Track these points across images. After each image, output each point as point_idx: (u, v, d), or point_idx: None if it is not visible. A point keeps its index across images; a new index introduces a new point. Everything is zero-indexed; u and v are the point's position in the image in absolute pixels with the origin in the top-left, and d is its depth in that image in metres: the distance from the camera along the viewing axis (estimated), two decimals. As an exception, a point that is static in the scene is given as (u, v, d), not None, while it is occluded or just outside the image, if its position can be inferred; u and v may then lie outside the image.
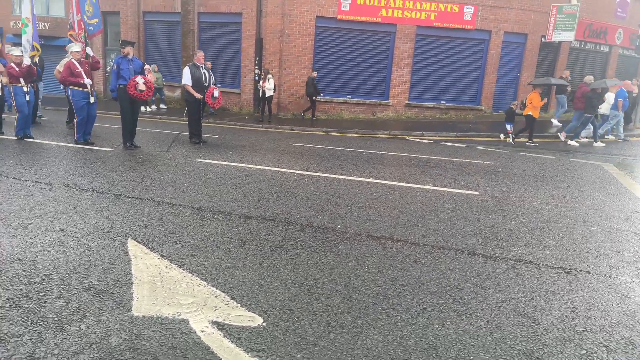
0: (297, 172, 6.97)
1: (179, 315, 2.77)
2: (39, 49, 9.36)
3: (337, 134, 12.28)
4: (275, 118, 14.86)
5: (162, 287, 3.10)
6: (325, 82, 15.53)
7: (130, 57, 8.21)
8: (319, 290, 3.16)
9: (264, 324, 2.72)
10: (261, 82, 13.81)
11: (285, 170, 7.07)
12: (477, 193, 6.10)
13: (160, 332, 2.59)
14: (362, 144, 10.36)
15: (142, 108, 14.44)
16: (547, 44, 17.04)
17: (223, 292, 3.08)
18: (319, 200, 5.43)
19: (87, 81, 8.26)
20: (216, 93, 9.18)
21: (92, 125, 8.69)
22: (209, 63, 10.81)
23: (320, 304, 2.98)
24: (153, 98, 14.99)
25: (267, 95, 13.73)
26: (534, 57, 17.00)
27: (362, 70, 15.86)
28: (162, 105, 16.21)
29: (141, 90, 8.00)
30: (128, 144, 8.30)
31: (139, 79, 8.00)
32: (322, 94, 14.56)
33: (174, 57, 17.02)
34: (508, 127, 11.93)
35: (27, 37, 9.01)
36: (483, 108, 16.63)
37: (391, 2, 15.26)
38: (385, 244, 4.09)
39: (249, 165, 7.27)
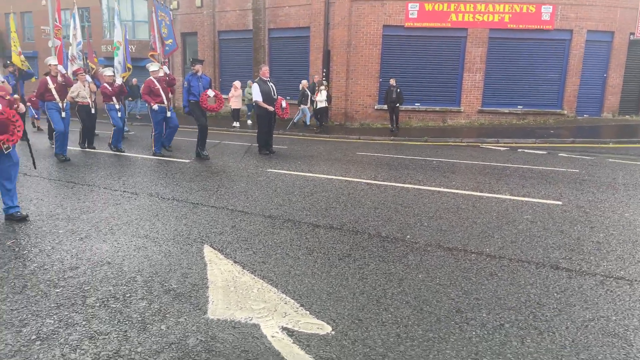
0: (365, 181, 6.93)
1: (251, 319, 2.85)
2: (131, 68, 10.21)
3: (406, 143, 12.08)
4: (343, 128, 14.96)
5: (235, 292, 3.21)
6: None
7: (199, 74, 8.69)
8: (388, 301, 3.10)
9: (333, 332, 2.71)
10: (315, 94, 14.04)
11: (353, 179, 7.07)
12: (560, 203, 5.68)
13: (233, 335, 2.68)
14: (432, 152, 10.10)
15: (234, 123, 15.28)
16: (637, 42, 15.60)
17: (292, 298, 3.12)
18: (387, 209, 5.35)
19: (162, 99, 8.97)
20: (284, 104, 9.47)
21: (173, 134, 9.47)
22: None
23: (390, 315, 2.91)
24: (249, 113, 15.82)
25: (319, 107, 13.95)
26: (622, 56, 15.63)
27: (431, 77, 15.53)
28: (249, 122, 16.47)
29: (211, 103, 8.52)
30: (205, 153, 8.80)
31: (210, 92, 8.49)
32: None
33: (246, 72, 17.78)
34: None
35: (118, 59, 9.88)
36: (565, 112, 15.54)
37: (461, 6, 14.83)
38: (457, 255, 3.93)
39: (317, 175, 7.35)
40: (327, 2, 15.55)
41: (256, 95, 9.26)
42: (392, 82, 13.66)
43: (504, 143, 11.77)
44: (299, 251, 4.01)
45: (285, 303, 3.06)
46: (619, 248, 4.13)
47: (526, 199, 5.88)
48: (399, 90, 13.45)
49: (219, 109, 8.92)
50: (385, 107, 14.36)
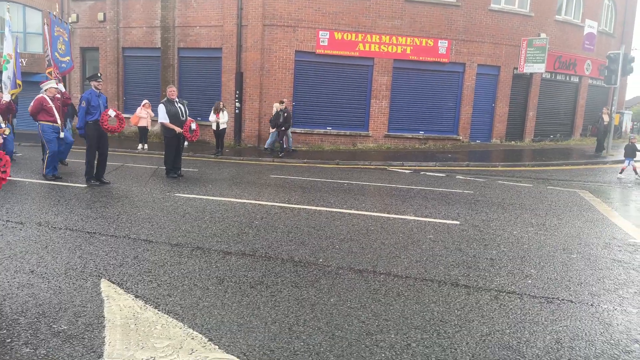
0: (278, 204, 6.91)
1: (154, 359, 2.64)
2: (21, 85, 9.25)
3: (318, 165, 12.32)
4: (256, 150, 14.88)
5: (136, 330, 2.96)
6: (306, 114, 15.75)
7: (99, 91, 8.07)
8: (301, 328, 3.07)
9: (243, 366, 2.60)
10: (214, 115, 13.60)
11: (266, 203, 7.01)
12: (458, 222, 6.12)
13: (132, 379, 2.45)
14: (343, 175, 10.40)
15: (140, 146, 14.28)
16: (520, 76, 17.68)
17: (200, 333, 2.96)
18: (300, 233, 5.36)
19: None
20: (193, 125, 9.18)
21: (68, 150, 8.82)
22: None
23: (302, 343, 2.88)
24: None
25: (220, 128, 13.71)
26: (508, 88, 17.58)
27: (341, 102, 16.14)
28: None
29: (112, 123, 7.98)
30: (92, 181, 8.07)
31: (111, 112, 7.95)
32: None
33: (153, 91, 17.03)
34: (626, 163, 11.31)
35: (7, 74, 8.91)
36: (461, 138, 16.98)
37: (368, 37, 15.71)
38: (367, 277, 4.03)
39: (229, 199, 7.18)
40: (239, 24, 15.55)
41: (161, 117, 8.89)
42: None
43: (409, 166, 12.51)
44: (208, 281, 3.84)
45: (192, 338, 2.88)
46: (509, 264, 4.53)
47: (428, 219, 6.26)
48: (286, 114, 13.73)
49: (120, 130, 8.37)
50: (299, 130, 14.55)
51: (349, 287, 3.80)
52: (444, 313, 3.37)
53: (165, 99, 9.11)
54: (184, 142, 9.59)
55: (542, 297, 3.73)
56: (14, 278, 3.74)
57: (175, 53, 16.82)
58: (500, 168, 12.33)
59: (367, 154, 14.55)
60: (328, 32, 15.50)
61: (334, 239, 5.14)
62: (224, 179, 9.45)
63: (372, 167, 12.37)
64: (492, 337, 3.03)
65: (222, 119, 13.54)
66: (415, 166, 12.49)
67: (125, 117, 9.19)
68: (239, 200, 7.11)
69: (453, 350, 2.85)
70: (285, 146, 14.13)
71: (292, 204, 7.01)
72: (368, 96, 16.14)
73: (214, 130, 13.71)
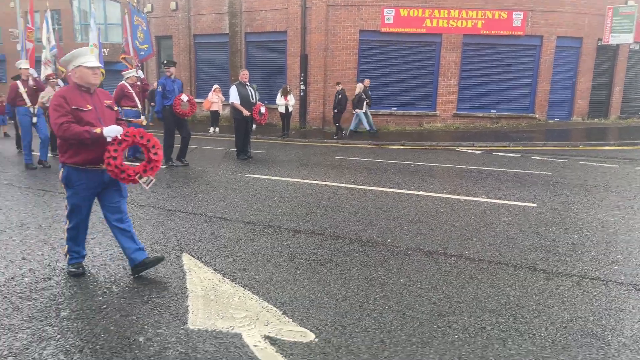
0: (344, 185, 6.94)
1: (232, 329, 2.80)
2: (104, 74, 9.95)
3: (384, 147, 12.18)
4: (321, 132, 14.97)
5: (216, 301, 3.15)
6: (370, 94, 15.55)
7: (173, 77, 8.51)
8: (371, 307, 3.10)
9: (316, 340, 2.68)
10: (282, 98, 13.73)
11: (332, 183, 7.07)
12: (535, 205, 5.81)
13: (214, 345, 2.62)
14: (409, 156, 10.21)
15: (211, 129, 14.97)
16: (604, 48, 16.19)
17: (274, 306, 3.08)
18: (367, 213, 5.37)
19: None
20: (263, 109, 9.40)
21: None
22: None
23: (373, 321, 2.91)
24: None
25: (288, 111, 13.86)
26: (591, 61, 16.18)
27: (407, 82, 15.73)
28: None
29: (184, 108, 8.39)
30: (171, 162, 8.56)
31: (184, 97, 8.34)
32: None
33: (222, 76, 17.62)
34: None
35: None
36: (537, 116, 15.96)
37: (436, 12, 15.09)
38: (438, 259, 3.97)
39: (297, 180, 7.33)
40: (303, 6, 15.57)
41: (233, 97, 9.17)
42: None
43: (479, 146, 11.99)
44: (280, 258, 3.98)
45: (267, 311, 3.02)
46: (593, 249, 4.24)
47: (502, 201, 5.99)
48: (340, 96, 13.56)
49: (191, 114, 8.78)
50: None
51: (419, 268, 3.76)
52: (520, 297, 3.25)
53: (238, 81, 9.39)
54: (252, 124, 9.87)
55: (630, 284, 3.47)
56: (107, 250, 4.11)
57: (242, 38, 17.23)
58: (582, 148, 11.46)
59: (435, 135, 14.14)
60: (393, 10, 15.08)
61: (402, 220, 5.09)
62: (291, 160, 9.63)
63: (440, 147, 12.01)
64: (574, 324, 2.87)
65: (290, 102, 13.75)
66: (486, 146, 11.95)
67: (197, 102, 9.61)
68: (306, 181, 7.24)
69: (531, 335, 2.74)
70: (352, 128, 14.04)
71: (358, 184, 7.01)
72: (435, 74, 15.58)
73: (280, 112, 13.97)
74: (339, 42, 15.43)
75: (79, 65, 3.25)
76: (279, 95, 13.88)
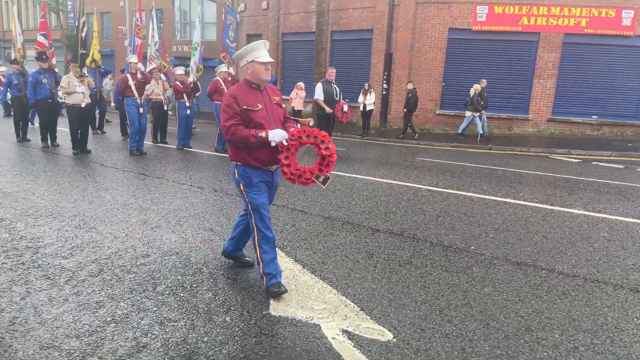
0: (425, 187, 6.78)
1: (312, 319, 2.86)
2: (202, 69, 10.65)
3: (468, 150, 11.69)
4: (401, 132, 14.74)
5: (296, 291, 3.24)
6: (455, 95, 14.99)
7: None
8: (452, 313, 3.00)
9: (394, 339, 2.66)
10: (362, 96, 13.63)
11: (413, 184, 6.93)
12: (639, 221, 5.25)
13: (294, 333, 2.70)
14: (497, 161, 9.70)
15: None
16: None
17: (353, 302, 3.10)
18: (450, 218, 5.19)
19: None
20: (345, 108, 9.46)
21: None
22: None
23: (454, 328, 2.82)
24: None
25: (367, 110, 13.66)
26: None
27: (498, 83, 14.92)
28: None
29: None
30: None
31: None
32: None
33: (307, 74, 17.99)
34: None
35: (194, 59, 10.31)
36: (646, 124, 14.38)
37: (534, 10, 14.14)
38: (527, 270, 3.74)
39: (376, 179, 7.29)
40: (391, 4, 15.40)
41: (317, 94, 9.34)
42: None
43: (576, 155, 11.08)
44: (359, 254, 3.99)
45: (346, 306, 3.05)
46: None
47: (602, 215, 5.49)
48: (410, 95, 13.06)
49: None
50: (448, 112, 13.94)
51: (505, 278, 3.57)
52: (619, 320, 2.96)
53: (324, 79, 9.56)
54: (334, 122, 9.97)
55: None
56: (198, 234, 4.39)
57: (328, 36, 17.45)
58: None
59: (526, 139, 13.29)
60: (487, 7, 14.38)
61: (488, 228, 4.86)
62: (370, 159, 9.60)
63: (531, 153, 11.27)
64: (688, 358, 2.56)
65: (369, 100, 13.68)
66: (585, 155, 11.00)
67: (284, 99, 9.89)
68: (386, 181, 7.17)
69: (633, 362, 2.49)
70: (459, 131, 13.28)
71: (440, 187, 6.81)
72: (530, 76, 14.63)
73: (361, 111, 13.97)
74: (426, 41, 15.06)
75: (252, 61, 3.05)
76: (361, 93, 13.88)
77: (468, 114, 13.08)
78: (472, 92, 13.02)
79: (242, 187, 3.18)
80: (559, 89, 14.53)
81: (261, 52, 3.07)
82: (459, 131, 13.36)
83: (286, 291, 3.14)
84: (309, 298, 3.14)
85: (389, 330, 2.76)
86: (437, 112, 15.30)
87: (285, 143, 3.05)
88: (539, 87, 14.55)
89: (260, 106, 3.09)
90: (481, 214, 5.38)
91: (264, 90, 3.19)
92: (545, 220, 5.19)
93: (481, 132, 13.15)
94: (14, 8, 14.03)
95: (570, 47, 14.29)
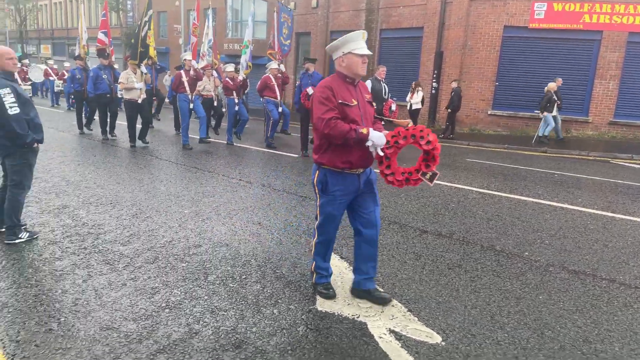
0: (476, 189, 6.58)
1: (358, 317, 2.86)
2: (251, 67, 10.85)
3: (522, 152, 11.24)
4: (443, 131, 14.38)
5: (342, 288, 3.24)
6: (510, 95, 14.47)
7: (310, 72, 8.92)
8: (504, 320, 2.90)
9: (443, 343, 2.61)
10: (409, 95, 13.34)
11: (462, 186, 6.75)
12: None
13: (341, 330, 2.71)
14: (552, 165, 9.27)
15: None
16: None
17: (400, 302, 3.07)
18: (502, 222, 5.02)
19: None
20: (393, 107, 9.34)
21: (243, 125, 10.37)
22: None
23: (506, 335, 2.72)
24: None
25: (413, 109, 13.32)
26: None
27: (555, 83, 14.24)
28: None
29: (309, 100, 8.73)
30: (304, 152, 9.03)
31: (309, 90, 8.70)
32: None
33: (355, 72, 17.89)
34: None
35: (245, 57, 10.54)
36: None
37: (597, 7, 13.37)
38: (585, 280, 3.55)
39: (424, 179, 7.14)
40: (443, 2, 15.04)
41: None
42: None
43: (640, 160, 10.40)
44: (406, 255, 3.93)
45: (393, 306, 3.02)
46: None
47: (670, 225, 5.12)
48: (453, 93, 12.56)
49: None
50: (500, 112, 13.44)
51: (562, 287, 3.41)
52: (691, 339, 2.75)
53: (374, 77, 9.49)
54: (382, 121, 9.88)
55: None
56: (246, 227, 4.49)
57: (377, 34, 17.30)
58: None
59: (584, 143, 12.61)
60: (545, 3, 13.75)
61: (543, 233, 4.66)
62: (418, 158, 9.41)
63: (590, 158, 10.68)
64: None
65: (415, 99, 13.43)
66: (649, 161, 10.31)
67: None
68: (434, 181, 7.01)
69: None
70: (540, 134, 12.28)
71: (491, 190, 6.59)
72: (591, 76, 13.85)
73: (408, 110, 13.75)
74: (479, 39, 14.60)
75: (349, 52, 2.81)
76: (409, 92, 13.67)
77: (545, 114, 12.41)
78: (547, 90, 12.37)
79: (317, 191, 3.01)
80: (622, 91, 13.67)
81: (359, 44, 2.81)
82: (540, 134, 12.61)
83: (334, 296, 3.07)
84: (355, 296, 3.13)
85: (437, 333, 2.71)
86: (488, 113, 14.81)
87: (381, 153, 2.84)
88: (600, 88, 13.76)
89: (355, 102, 2.86)
90: (536, 219, 5.15)
91: (357, 86, 2.95)
92: (605, 228, 4.90)
93: (542, 134, 12.46)
94: (82, 7, 14.80)
95: (634, 47, 13.41)
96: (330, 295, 3.08)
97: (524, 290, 3.33)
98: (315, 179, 2.99)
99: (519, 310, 3.03)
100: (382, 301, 3.03)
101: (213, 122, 10.88)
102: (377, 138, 2.78)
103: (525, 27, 14.07)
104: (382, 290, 3.21)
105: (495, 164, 9.14)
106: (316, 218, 3.07)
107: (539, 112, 12.64)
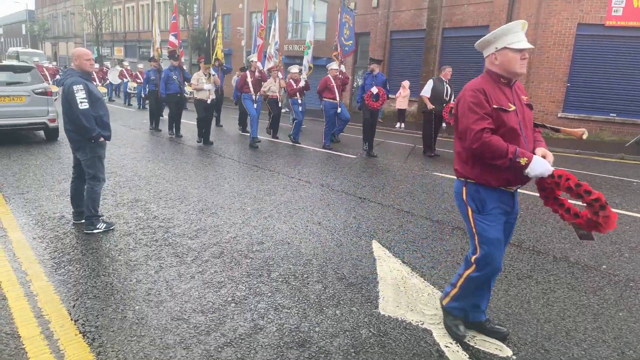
0: (546, 196, 6.22)
1: (422, 324, 2.79)
2: (312, 68, 10.99)
3: (595, 158, 10.52)
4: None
5: (405, 293, 3.18)
6: (583, 97, 13.60)
7: (375, 73, 8.89)
8: (580, 336, 2.72)
9: (514, 357, 2.48)
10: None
11: (532, 193, 6.41)
12: None
13: (404, 335, 2.66)
14: (630, 172, 8.59)
15: (397, 124, 15.36)
16: None
17: (466, 311, 2.96)
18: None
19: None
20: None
21: (344, 126, 10.26)
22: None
23: (583, 352, 2.55)
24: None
25: None
26: None
27: (633, 84, 13.21)
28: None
29: (375, 100, 8.63)
30: (365, 149, 9.07)
31: (374, 90, 8.60)
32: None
33: (414, 72, 17.61)
34: None
35: (307, 58, 10.66)
36: None
37: (685, 1, 12.24)
38: (673, 299, 3.25)
39: (488, 184, 6.86)
40: (512, -2, 14.41)
41: (425, 91, 9.11)
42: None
43: None
44: (471, 262, 3.78)
45: (459, 314, 2.91)
46: None
47: None
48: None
49: (379, 107, 8.98)
50: (572, 115, 12.65)
51: (646, 305, 3.14)
52: None
53: (437, 77, 9.28)
54: (441, 123, 9.62)
55: None
56: (307, 226, 4.52)
57: (439, 33, 16.86)
58: None
59: (666, 150, 11.57)
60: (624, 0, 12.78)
61: (622, 246, 4.32)
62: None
63: (674, 166, 9.79)
64: None
65: None
66: None
67: (391, 97, 9.77)
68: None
69: None
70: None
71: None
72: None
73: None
74: (551, 37, 13.83)
75: (504, 47, 2.36)
76: None
77: None
78: None
79: (470, 213, 2.48)
80: None
81: (517, 36, 2.35)
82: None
83: (464, 337, 2.60)
84: (419, 302, 3.06)
85: (508, 346, 2.59)
86: (558, 115, 13.99)
87: (548, 184, 2.35)
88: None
89: (512, 107, 2.38)
90: (614, 231, 4.79)
91: (513, 87, 2.47)
92: (696, 244, 4.47)
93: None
94: (155, 12, 15.67)
95: None
96: (460, 335, 2.61)
97: (602, 306, 3.10)
98: (465, 196, 2.48)
99: (597, 327, 2.83)
100: (499, 335, 2.63)
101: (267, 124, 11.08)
102: (539, 167, 2.27)
103: (602, 25, 13.15)
104: (496, 322, 2.75)
105: (566, 169, 8.60)
106: (474, 252, 2.49)
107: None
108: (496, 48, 2.40)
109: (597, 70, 13.50)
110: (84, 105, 3.89)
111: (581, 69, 13.64)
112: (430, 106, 9.00)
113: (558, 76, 13.78)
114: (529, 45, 2.34)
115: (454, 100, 9.18)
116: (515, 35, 2.35)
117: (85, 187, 4.16)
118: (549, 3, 13.74)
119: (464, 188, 2.50)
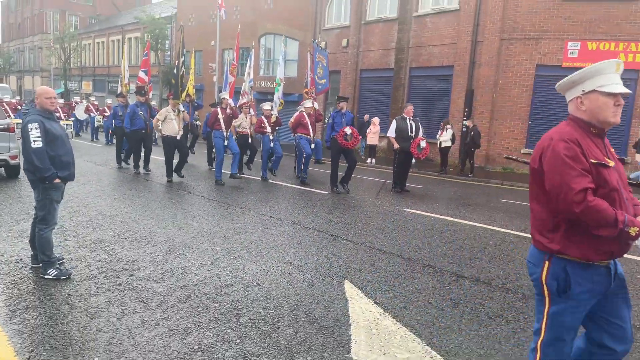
0: (514, 232, 6.37)
1: (395, 369, 2.73)
2: (283, 104, 11.14)
3: (557, 193, 10.89)
4: (483, 171, 14.17)
5: (378, 335, 3.12)
6: (543, 133, 14.19)
7: (343, 111, 9.08)
8: (553, 377, 2.71)
9: (488, 402, 2.44)
10: (439, 133, 13.39)
11: (499, 229, 6.55)
12: None
13: (378, 383, 2.58)
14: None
15: (369, 160, 15.56)
16: None
17: (439, 354, 2.92)
18: (542, 267, 4.79)
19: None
20: (423, 144, 9.30)
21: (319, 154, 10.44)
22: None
23: (556, 395, 2.53)
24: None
25: (443, 146, 13.25)
26: None
27: (590, 122, 13.93)
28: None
29: (347, 140, 8.73)
30: (335, 188, 9.06)
31: (347, 130, 8.72)
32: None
33: (383, 109, 18.07)
34: None
35: (278, 95, 10.82)
36: None
37: (632, 46, 13.19)
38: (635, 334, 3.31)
39: (458, 220, 6.98)
40: (474, 41, 15.16)
41: (389, 131, 9.35)
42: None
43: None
44: (443, 302, 3.78)
45: (432, 357, 2.87)
46: None
47: None
48: (472, 133, 12.54)
49: (353, 146, 9.11)
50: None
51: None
52: None
53: (401, 116, 9.53)
54: (411, 158, 9.83)
55: None
56: (278, 267, 4.44)
57: (406, 72, 17.49)
58: None
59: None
60: (579, 43, 13.66)
61: (587, 281, 4.42)
62: (450, 198, 9.27)
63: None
64: None
65: (445, 137, 13.36)
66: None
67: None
68: (468, 223, 6.84)
69: None
70: (632, 176, 11.29)
71: (530, 233, 6.35)
72: (628, 116, 13.48)
73: (439, 148, 13.68)
74: (511, 77, 14.56)
75: (594, 90, 1.98)
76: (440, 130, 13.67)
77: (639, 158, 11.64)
78: None
79: (547, 292, 2.03)
80: (664, 131, 13.24)
81: (610, 78, 1.95)
82: (631, 176, 11.71)
83: None
84: (391, 345, 3.01)
85: (481, 390, 2.55)
86: (521, 151, 14.54)
87: None
88: (639, 128, 13.36)
89: (612, 162, 1.98)
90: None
91: (604, 139, 2.07)
92: (656, 278, 4.62)
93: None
94: (125, 47, 15.67)
95: (676, 85, 13.07)
96: None
97: (572, 346, 3.12)
98: (545, 274, 2.02)
99: (568, 368, 2.83)
100: None
101: (246, 158, 11.05)
102: None
103: (559, 66, 13.96)
104: None
105: (531, 204, 8.86)
106: (537, 332, 2.10)
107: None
108: (583, 91, 2.01)
109: (556, 108, 14.20)
110: (37, 144, 3.77)
111: (541, 107, 14.33)
112: (396, 145, 9.22)
113: (520, 114, 14.42)
114: (625, 90, 1.94)
115: (421, 135, 9.43)
116: (607, 77, 1.95)
117: (35, 229, 3.97)
118: (509, 45, 14.54)
119: (546, 263, 2.02)
